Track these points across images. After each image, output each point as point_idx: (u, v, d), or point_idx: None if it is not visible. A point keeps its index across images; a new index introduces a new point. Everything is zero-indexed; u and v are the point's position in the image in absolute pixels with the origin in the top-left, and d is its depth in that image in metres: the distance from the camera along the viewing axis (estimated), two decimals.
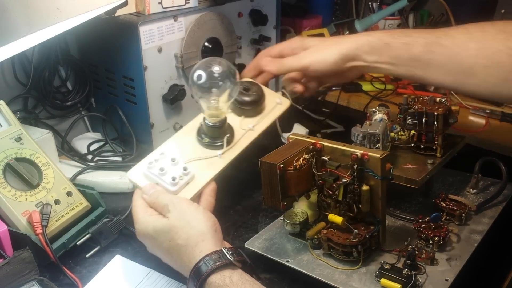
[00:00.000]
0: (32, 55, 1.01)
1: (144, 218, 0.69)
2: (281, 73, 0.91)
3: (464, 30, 0.76)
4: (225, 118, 0.81)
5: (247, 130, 0.85)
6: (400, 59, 0.80)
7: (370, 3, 1.60)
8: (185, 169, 0.76)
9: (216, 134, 0.81)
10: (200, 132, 0.82)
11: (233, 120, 0.85)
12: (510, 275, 0.76)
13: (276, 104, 0.90)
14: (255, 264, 0.66)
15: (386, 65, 0.81)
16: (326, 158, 0.73)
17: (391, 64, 0.81)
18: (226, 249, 0.63)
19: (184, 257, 0.64)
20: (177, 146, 0.81)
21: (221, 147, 0.81)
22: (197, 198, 0.76)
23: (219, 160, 0.80)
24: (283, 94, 0.92)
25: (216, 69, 0.77)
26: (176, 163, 0.76)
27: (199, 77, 0.77)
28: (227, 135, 0.81)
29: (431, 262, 0.70)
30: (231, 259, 0.61)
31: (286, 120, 1.09)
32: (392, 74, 0.86)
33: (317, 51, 0.86)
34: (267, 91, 0.90)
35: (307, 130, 1.13)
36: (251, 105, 0.86)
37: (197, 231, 0.65)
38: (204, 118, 0.80)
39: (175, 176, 0.74)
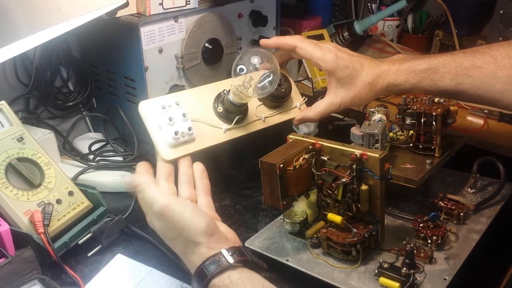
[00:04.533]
0: (33, 55, 1.01)
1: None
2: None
3: (492, 59, 0.77)
4: (247, 103, 0.82)
5: (258, 118, 0.86)
6: (429, 92, 0.83)
7: (369, 4, 1.60)
8: (189, 128, 0.77)
9: (231, 109, 0.82)
10: (218, 99, 0.83)
11: (252, 103, 0.86)
12: (508, 274, 0.76)
13: (295, 107, 0.92)
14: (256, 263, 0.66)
15: (417, 93, 0.85)
16: (325, 158, 0.74)
17: (422, 94, 0.85)
18: (226, 250, 0.62)
19: (186, 260, 0.66)
20: (192, 99, 0.82)
21: (229, 123, 0.82)
22: (189, 160, 0.77)
23: (222, 134, 0.81)
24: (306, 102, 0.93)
25: (256, 60, 0.78)
26: (186, 119, 0.78)
27: (241, 69, 0.78)
28: (240, 116, 0.82)
29: (429, 261, 0.71)
30: (230, 262, 0.61)
31: None
32: None
33: (352, 95, 0.84)
34: (294, 91, 0.91)
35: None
36: (275, 99, 0.88)
37: (191, 241, 0.64)
38: (229, 91, 0.82)
39: (178, 131, 0.75)
